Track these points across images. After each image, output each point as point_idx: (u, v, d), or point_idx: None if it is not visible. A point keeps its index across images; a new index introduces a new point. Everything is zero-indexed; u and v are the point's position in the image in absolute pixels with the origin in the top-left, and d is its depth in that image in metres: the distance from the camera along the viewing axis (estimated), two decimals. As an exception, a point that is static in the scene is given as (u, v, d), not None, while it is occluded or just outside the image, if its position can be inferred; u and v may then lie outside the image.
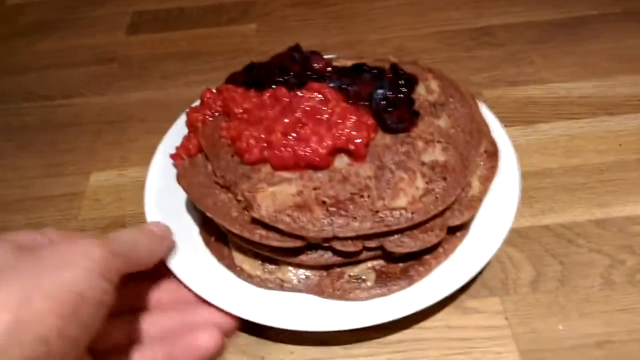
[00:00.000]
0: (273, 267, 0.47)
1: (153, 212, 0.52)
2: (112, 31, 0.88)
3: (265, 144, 0.48)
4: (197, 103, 0.57)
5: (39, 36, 0.88)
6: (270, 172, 0.47)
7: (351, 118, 0.47)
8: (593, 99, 0.70)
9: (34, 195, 0.64)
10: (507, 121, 0.61)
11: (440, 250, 0.47)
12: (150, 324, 0.44)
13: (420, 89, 0.54)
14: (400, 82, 0.52)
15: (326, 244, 0.44)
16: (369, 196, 0.45)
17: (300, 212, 0.44)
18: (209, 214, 0.46)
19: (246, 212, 0.45)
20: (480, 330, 0.49)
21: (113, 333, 0.42)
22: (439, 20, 0.85)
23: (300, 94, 0.50)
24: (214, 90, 0.56)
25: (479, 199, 0.48)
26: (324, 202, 0.44)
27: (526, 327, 0.49)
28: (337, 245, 0.43)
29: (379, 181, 0.45)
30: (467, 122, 0.52)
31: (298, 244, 0.44)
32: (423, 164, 0.47)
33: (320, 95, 0.49)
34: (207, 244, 0.50)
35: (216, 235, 0.50)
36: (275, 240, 0.44)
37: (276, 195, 0.45)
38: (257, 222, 0.44)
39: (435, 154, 0.48)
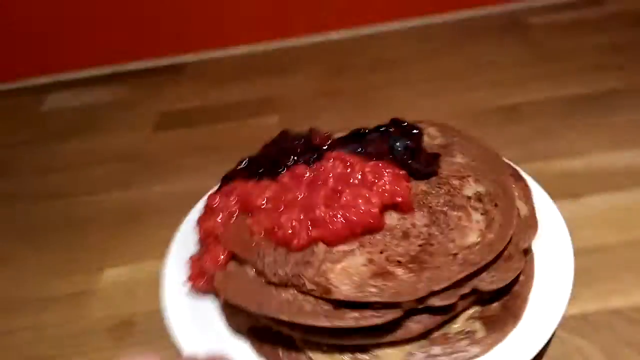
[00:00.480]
0: (367, 356, 0.42)
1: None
2: (137, 131, 0.88)
3: (310, 224, 0.45)
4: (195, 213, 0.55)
5: (65, 140, 0.89)
6: (328, 250, 0.44)
7: (386, 172, 0.47)
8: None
9: (42, 296, 0.60)
10: (549, 195, 0.56)
11: (522, 277, 0.46)
12: None
13: (424, 137, 0.56)
14: (412, 131, 0.53)
15: (421, 306, 0.40)
16: (438, 243, 0.43)
17: (384, 279, 0.41)
18: (283, 317, 0.41)
19: (322, 300, 0.41)
20: None
21: None
22: (462, 101, 0.83)
23: (322, 166, 0.46)
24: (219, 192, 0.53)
25: (532, 217, 0.49)
26: (399, 262, 0.42)
27: None
28: (436, 302, 0.40)
29: (439, 226, 0.45)
30: (480, 153, 0.54)
31: (398, 313, 0.40)
32: (469, 198, 0.47)
33: (342, 162, 0.47)
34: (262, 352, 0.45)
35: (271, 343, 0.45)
36: (374, 317, 0.39)
37: (348, 271, 0.42)
38: (342, 307, 0.40)
39: (473, 187, 0.48)
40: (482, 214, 0.46)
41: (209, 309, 0.49)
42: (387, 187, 0.46)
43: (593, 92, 0.81)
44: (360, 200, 0.45)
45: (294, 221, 0.45)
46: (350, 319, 0.40)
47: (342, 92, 0.91)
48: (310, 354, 0.44)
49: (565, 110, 0.78)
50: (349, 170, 0.48)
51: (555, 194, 0.61)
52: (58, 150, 0.86)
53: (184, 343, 0.45)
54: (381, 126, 0.55)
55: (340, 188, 0.47)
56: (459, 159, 0.53)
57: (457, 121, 0.78)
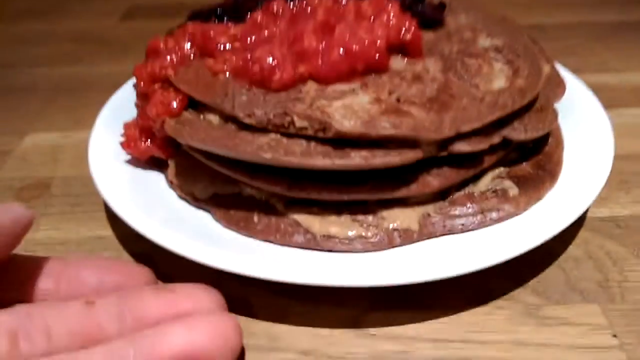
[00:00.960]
0: (372, 217, 0.33)
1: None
2: (104, 18, 0.77)
3: (296, 58, 0.34)
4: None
5: (25, 20, 0.78)
6: (320, 89, 0.33)
7: (390, 7, 0.37)
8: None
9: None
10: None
11: (552, 140, 0.39)
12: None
13: None
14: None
15: (444, 153, 0.32)
16: (459, 88, 0.34)
17: (398, 116, 0.31)
18: (266, 157, 0.30)
19: (317, 141, 0.31)
20: (573, 351, 0.29)
21: None
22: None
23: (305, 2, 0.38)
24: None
25: (557, 76, 0.41)
26: (414, 102, 0.32)
27: (654, 352, 0.29)
28: (463, 147, 0.32)
29: (457, 72, 0.36)
30: (487, 15, 0.45)
31: (419, 155, 0.31)
32: (486, 49, 0.39)
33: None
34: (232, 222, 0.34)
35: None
36: (389, 157, 0.30)
37: (352, 107, 0.32)
38: (344, 146, 0.31)
39: (488, 40, 0.40)
40: (504, 63, 0.38)
41: (152, 180, 0.38)
42: (394, 21, 0.36)
43: (631, 20, 0.70)
44: (362, 32, 0.35)
45: (274, 55, 0.34)
46: (359, 158, 0.30)
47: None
48: (297, 217, 0.33)
49: (599, 33, 0.68)
50: (338, 5, 0.38)
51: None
52: (13, 29, 0.75)
53: (122, 212, 0.34)
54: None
55: (332, 21, 0.36)
56: (463, 18, 0.44)
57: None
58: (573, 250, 0.36)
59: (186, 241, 0.31)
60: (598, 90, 0.55)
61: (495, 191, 0.35)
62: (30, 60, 0.66)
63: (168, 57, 0.39)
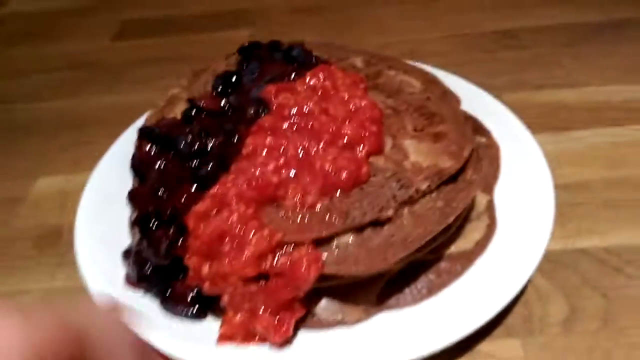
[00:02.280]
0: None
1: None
2: (94, 39, 0.81)
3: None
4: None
5: (17, 44, 0.82)
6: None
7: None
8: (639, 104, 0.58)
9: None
10: (531, 128, 0.50)
11: None
12: None
13: None
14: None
15: None
16: None
17: None
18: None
19: None
20: (493, 383, 0.36)
21: None
22: (456, 23, 0.75)
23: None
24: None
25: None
26: None
27: (557, 381, 0.36)
28: None
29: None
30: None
31: None
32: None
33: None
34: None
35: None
36: None
37: None
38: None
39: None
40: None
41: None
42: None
43: (606, 21, 0.73)
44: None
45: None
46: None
47: (322, 8, 0.82)
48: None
49: (571, 38, 0.70)
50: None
51: (541, 126, 0.54)
52: (5, 56, 0.79)
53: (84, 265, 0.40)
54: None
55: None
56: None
57: (446, 45, 0.71)
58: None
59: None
60: (556, 109, 0.60)
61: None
62: (29, 93, 0.70)
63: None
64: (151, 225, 0.37)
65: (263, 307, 0.34)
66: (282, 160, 0.38)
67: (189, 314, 0.36)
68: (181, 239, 0.36)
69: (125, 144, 0.51)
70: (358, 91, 0.44)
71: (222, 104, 0.43)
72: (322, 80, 0.44)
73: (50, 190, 0.55)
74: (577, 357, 0.36)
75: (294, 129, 0.40)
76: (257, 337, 0.35)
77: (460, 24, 0.75)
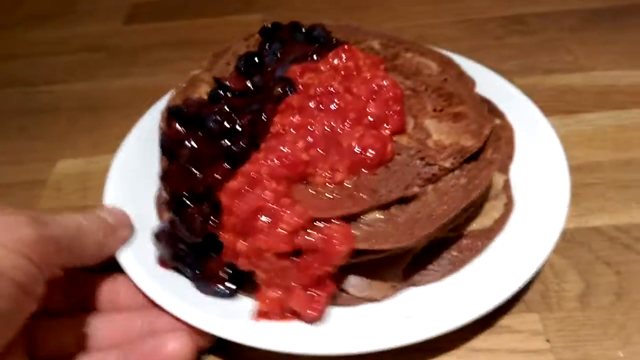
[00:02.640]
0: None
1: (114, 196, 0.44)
2: (108, 21, 0.81)
3: None
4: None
5: (32, 26, 0.82)
6: None
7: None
8: (646, 87, 0.60)
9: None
10: (543, 111, 0.51)
11: None
12: (105, 327, 0.36)
13: None
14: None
15: None
16: None
17: None
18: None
19: None
20: (514, 354, 0.38)
21: (59, 336, 0.36)
22: (465, 8, 0.76)
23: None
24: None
25: None
26: None
27: (575, 352, 0.38)
28: None
29: None
30: None
31: None
32: None
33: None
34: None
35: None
36: None
37: None
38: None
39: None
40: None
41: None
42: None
43: (613, 7, 0.74)
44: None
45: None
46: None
47: (335, -10, 0.83)
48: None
49: (578, 24, 0.71)
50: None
51: (550, 110, 0.55)
52: (22, 37, 0.80)
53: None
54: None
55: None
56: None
57: (454, 30, 0.72)
58: (522, 263, 0.43)
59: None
60: (564, 93, 0.61)
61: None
62: (48, 75, 0.71)
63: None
64: (185, 203, 0.38)
65: (296, 283, 0.36)
66: (310, 139, 0.39)
67: (224, 291, 0.38)
68: (215, 216, 0.37)
69: (144, 127, 0.52)
70: (379, 71, 0.46)
71: (247, 84, 0.44)
72: (344, 60, 0.45)
73: (71, 172, 0.56)
74: (593, 331, 0.38)
75: (320, 107, 0.41)
76: (291, 314, 0.36)
77: (469, 9, 0.76)
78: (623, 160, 0.52)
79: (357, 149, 0.39)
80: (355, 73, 0.45)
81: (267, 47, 0.49)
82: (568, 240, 0.45)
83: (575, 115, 0.57)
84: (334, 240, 0.35)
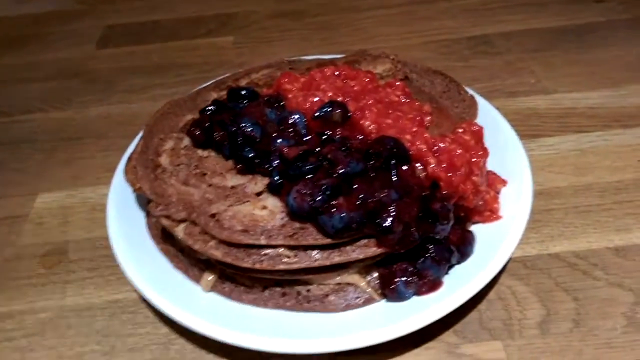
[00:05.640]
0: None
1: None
2: (81, 45, 0.82)
3: None
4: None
5: (5, 51, 0.82)
6: None
7: None
8: (603, 109, 0.63)
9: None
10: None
11: None
12: None
13: None
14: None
15: None
16: None
17: None
18: None
19: None
20: (478, 382, 0.40)
21: None
22: (432, 29, 0.78)
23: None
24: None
25: None
26: None
27: (535, 378, 0.40)
28: None
29: None
30: None
31: None
32: None
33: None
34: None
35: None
36: None
37: None
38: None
39: None
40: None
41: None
42: None
43: (573, 26, 0.77)
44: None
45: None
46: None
47: (303, 12, 0.84)
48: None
49: (540, 44, 0.74)
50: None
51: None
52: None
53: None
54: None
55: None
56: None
57: (423, 52, 0.75)
58: (487, 291, 0.46)
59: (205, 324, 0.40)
60: (528, 116, 0.64)
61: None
62: (23, 104, 0.71)
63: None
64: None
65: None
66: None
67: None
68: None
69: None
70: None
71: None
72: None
73: (51, 206, 0.57)
74: (552, 357, 0.41)
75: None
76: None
77: (437, 30, 0.78)
78: (582, 185, 0.55)
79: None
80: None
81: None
82: (530, 267, 0.47)
83: (538, 140, 0.60)
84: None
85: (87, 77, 0.75)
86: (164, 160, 0.45)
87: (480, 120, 0.54)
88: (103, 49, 0.81)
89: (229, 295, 0.43)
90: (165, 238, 0.46)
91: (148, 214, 0.48)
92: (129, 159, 0.48)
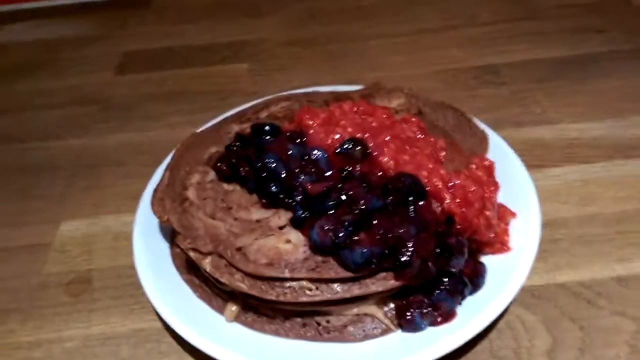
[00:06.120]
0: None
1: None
2: (98, 72, 0.84)
3: None
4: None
5: (20, 77, 0.84)
6: None
7: None
8: (608, 140, 0.65)
9: (-4, 247, 0.58)
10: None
11: None
12: None
13: None
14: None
15: None
16: None
17: None
18: None
19: None
20: (491, 410, 0.42)
21: None
22: (439, 58, 0.81)
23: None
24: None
25: None
26: None
27: (544, 407, 0.42)
28: None
29: None
30: None
31: None
32: None
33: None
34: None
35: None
36: None
37: None
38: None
39: None
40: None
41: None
42: None
43: (576, 56, 0.80)
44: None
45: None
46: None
47: (315, 40, 0.87)
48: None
49: (545, 74, 0.77)
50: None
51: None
52: (10, 90, 0.82)
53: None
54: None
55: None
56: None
57: (430, 81, 0.77)
58: (497, 321, 0.48)
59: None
60: (534, 147, 0.66)
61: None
62: (41, 130, 0.73)
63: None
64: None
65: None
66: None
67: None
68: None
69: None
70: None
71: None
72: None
73: (74, 234, 0.58)
74: (560, 385, 0.43)
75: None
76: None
77: (444, 59, 0.81)
78: (587, 215, 0.57)
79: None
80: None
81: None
82: (537, 297, 0.49)
83: (545, 170, 0.62)
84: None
85: (105, 104, 0.77)
86: (191, 193, 0.47)
87: (489, 151, 0.56)
88: (121, 75, 0.83)
89: (251, 325, 0.44)
90: (189, 268, 0.48)
91: (172, 245, 0.50)
92: (155, 190, 0.50)
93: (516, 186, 0.54)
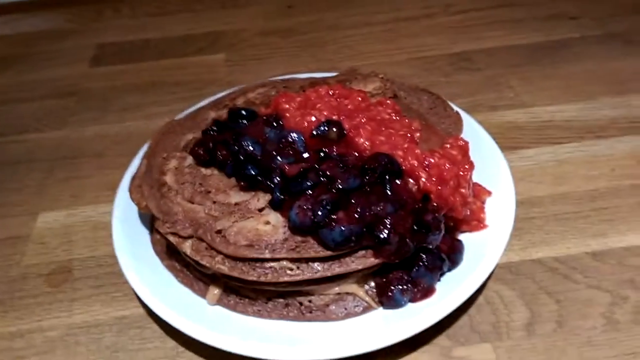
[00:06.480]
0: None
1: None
2: (74, 64, 0.83)
3: None
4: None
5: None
6: None
7: None
8: (578, 122, 0.67)
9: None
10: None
11: None
12: None
13: None
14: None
15: None
16: None
17: None
18: None
19: None
20: (470, 382, 0.43)
21: None
22: (415, 46, 0.82)
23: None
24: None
25: None
26: None
27: (523, 377, 0.43)
28: None
29: None
30: None
31: None
32: None
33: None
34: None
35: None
36: None
37: None
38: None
39: None
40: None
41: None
42: None
43: (548, 42, 0.81)
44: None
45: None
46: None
47: (292, 30, 0.87)
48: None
49: (518, 59, 0.78)
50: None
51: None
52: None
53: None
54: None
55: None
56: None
57: (407, 68, 0.78)
58: (476, 296, 0.49)
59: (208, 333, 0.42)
60: (508, 130, 0.68)
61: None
62: (19, 124, 0.73)
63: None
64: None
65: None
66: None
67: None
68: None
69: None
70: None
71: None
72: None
73: (53, 225, 0.58)
74: (538, 357, 0.44)
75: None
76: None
77: (420, 47, 0.82)
78: (560, 194, 0.58)
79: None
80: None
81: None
82: (515, 273, 0.51)
83: (519, 151, 0.63)
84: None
85: (81, 96, 0.76)
86: (169, 179, 0.47)
87: (464, 134, 0.57)
88: (96, 67, 0.82)
89: (234, 307, 0.45)
90: (170, 254, 0.48)
91: (152, 232, 0.50)
92: (133, 178, 0.50)
93: (491, 166, 0.55)
